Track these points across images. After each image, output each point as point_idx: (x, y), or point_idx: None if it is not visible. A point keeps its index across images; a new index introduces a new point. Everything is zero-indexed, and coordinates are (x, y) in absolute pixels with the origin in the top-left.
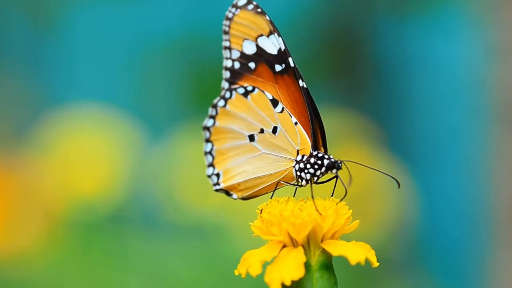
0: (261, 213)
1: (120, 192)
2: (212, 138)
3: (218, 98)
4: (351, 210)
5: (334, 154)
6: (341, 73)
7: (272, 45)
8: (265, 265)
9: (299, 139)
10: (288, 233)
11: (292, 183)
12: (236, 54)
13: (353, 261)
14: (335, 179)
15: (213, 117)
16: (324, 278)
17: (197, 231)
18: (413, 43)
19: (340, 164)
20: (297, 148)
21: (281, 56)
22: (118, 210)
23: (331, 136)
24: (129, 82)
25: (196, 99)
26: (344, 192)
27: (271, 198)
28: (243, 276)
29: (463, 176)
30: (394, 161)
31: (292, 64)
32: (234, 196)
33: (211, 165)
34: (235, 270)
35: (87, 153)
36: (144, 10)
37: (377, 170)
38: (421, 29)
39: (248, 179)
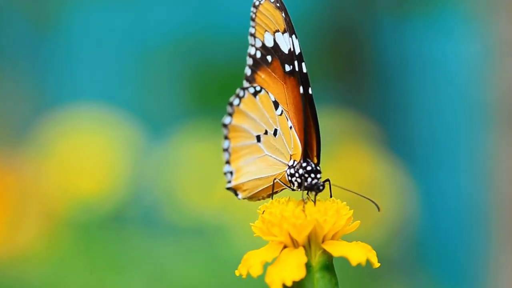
0: (262, 213)
1: (120, 192)
2: (229, 136)
3: (234, 96)
4: (352, 211)
5: (335, 154)
6: (341, 74)
7: (285, 43)
8: (266, 265)
9: (293, 143)
10: (289, 234)
11: (286, 185)
12: (258, 43)
13: (354, 262)
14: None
15: (230, 114)
16: (325, 279)
17: (198, 231)
18: (412, 44)
19: (320, 187)
20: (290, 153)
21: (291, 57)
22: (118, 210)
23: (331, 136)
24: (129, 82)
25: (196, 99)
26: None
27: (271, 198)
28: (244, 276)
29: (463, 175)
30: (394, 161)
31: (297, 68)
32: (240, 196)
33: (228, 162)
34: (236, 271)
35: (87, 153)
36: (145, 10)
37: (359, 195)
38: (421, 30)
39: (250, 180)
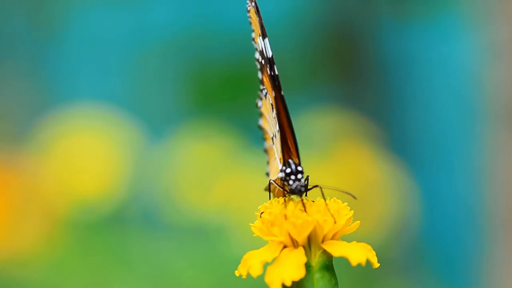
0: (261, 214)
1: (120, 192)
2: (265, 137)
3: (258, 98)
4: (352, 211)
5: (335, 154)
6: (342, 74)
7: (266, 47)
8: (265, 265)
9: (280, 147)
10: (289, 234)
11: (283, 188)
12: (257, 47)
13: (354, 262)
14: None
15: (260, 115)
16: (324, 279)
17: (197, 231)
18: (413, 44)
19: (302, 188)
20: (279, 155)
21: (270, 61)
22: (118, 210)
23: (331, 136)
24: (129, 81)
25: (196, 99)
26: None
27: (269, 198)
28: (243, 276)
29: (463, 176)
30: (395, 161)
31: (270, 71)
32: (270, 196)
33: (268, 163)
34: (236, 271)
35: (87, 153)
36: (145, 10)
37: (337, 189)
38: (421, 30)
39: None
